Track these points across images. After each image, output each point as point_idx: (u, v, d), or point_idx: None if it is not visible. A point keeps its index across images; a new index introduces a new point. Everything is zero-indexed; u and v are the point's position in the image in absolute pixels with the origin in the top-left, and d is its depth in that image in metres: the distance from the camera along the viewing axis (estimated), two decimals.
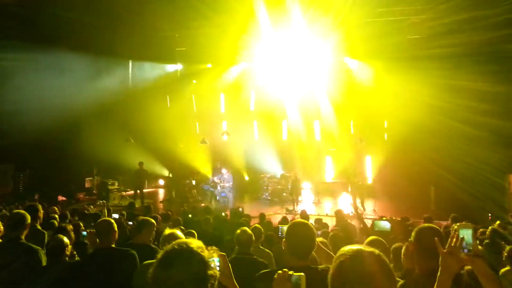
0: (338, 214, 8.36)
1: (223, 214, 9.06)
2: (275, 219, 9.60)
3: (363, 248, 1.49)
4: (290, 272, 1.87)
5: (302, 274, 1.86)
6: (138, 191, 14.18)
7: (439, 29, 11.16)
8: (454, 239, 1.90)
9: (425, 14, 11.84)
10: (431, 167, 12.61)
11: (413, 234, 2.48)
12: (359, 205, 12.73)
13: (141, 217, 4.26)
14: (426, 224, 2.65)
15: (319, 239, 3.67)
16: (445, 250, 1.90)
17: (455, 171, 11.66)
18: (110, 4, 11.51)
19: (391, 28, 12.22)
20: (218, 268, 1.52)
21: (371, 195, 13.29)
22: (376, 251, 1.49)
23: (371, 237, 4.01)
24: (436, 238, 1.98)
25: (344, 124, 15.78)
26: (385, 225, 5.33)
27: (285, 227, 5.10)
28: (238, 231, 4.12)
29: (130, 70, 15.77)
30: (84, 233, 4.76)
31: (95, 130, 13.84)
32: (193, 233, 4.62)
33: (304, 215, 8.85)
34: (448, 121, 11.62)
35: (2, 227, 3.99)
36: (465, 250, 1.88)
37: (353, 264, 1.45)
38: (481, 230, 5.46)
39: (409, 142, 13.44)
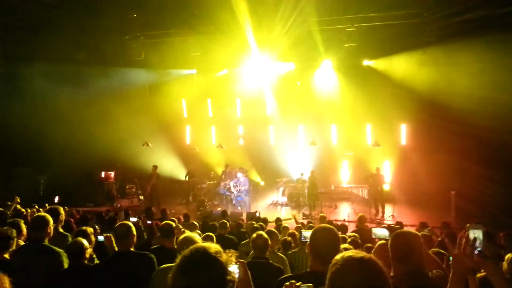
0: (360, 220, 8.26)
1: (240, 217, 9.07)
2: (292, 224, 9.56)
3: (353, 255, 1.48)
4: (298, 284, 1.87)
5: (311, 284, 1.85)
6: (154, 194, 14.45)
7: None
8: (464, 240, 1.86)
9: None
10: (451, 171, 12.37)
11: (389, 240, 2.52)
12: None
13: (166, 222, 4.32)
14: (400, 230, 2.65)
15: (343, 246, 3.65)
16: (456, 252, 1.87)
17: (476, 175, 11.42)
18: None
19: (406, 29, 12.10)
20: (237, 275, 1.52)
21: (390, 200, 13.13)
22: (367, 256, 1.48)
23: (380, 242, 3.94)
24: (446, 240, 1.96)
25: (360, 128, 15.63)
26: (384, 232, 5.19)
27: (307, 233, 5.10)
28: (254, 235, 4.12)
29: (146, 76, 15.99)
30: (101, 237, 4.81)
31: (114, 134, 14.11)
32: (212, 237, 4.65)
33: (323, 220, 8.80)
34: (467, 123, 11.38)
35: (25, 230, 4.10)
36: (476, 251, 1.84)
37: (343, 272, 1.45)
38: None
39: (428, 146, 13.23)
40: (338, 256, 1.52)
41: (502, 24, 10.22)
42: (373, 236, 5.07)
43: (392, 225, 7.70)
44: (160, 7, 11.96)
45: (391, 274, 2.33)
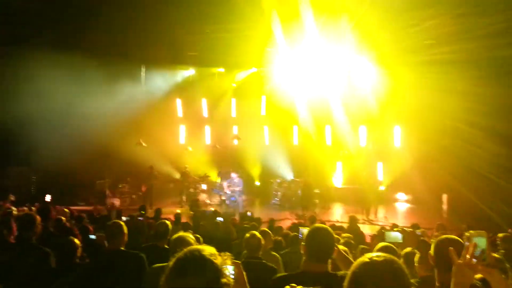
0: (352, 220, 8.25)
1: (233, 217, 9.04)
2: (285, 225, 9.55)
3: (377, 256, 1.48)
4: (299, 287, 1.83)
5: None
6: (148, 194, 14.37)
7: (456, 34, 11.03)
8: (471, 249, 1.79)
9: (439, 19, 11.72)
10: (443, 174, 12.44)
11: (432, 246, 2.40)
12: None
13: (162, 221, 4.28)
14: (445, 236, 2.55)
15: (340, 247, 3.64)
16: (460, 261, 1.80)
17: (468, 178, 11.48)
18: (123, 7, 11.59)
19: (405, 32, 12.12)
20: (232, 276, 1.49)
21: (383, 201, 13.18)
22: (391, 258, 1.47)
23: (381, 244, 3.94)
24: (450, 248, 1.89)
25: (355, 129, 15.67)
26: (397, 236, 5.18)
27: (305, 230, 5.08)
28: (247, 235, 4.09)
29: (143, 74, 15.90)
30: (93, 236, 4.78)
31: (107, 133, 13.97)
32: (199, 238, 4.62)
33: (313, 220, 8.78)
34: (462, 127, 11.45)
35: (15, 229, 4.02)
36: (476, 259, 1.79)
37: (367, 272, 1.44)
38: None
39: (421, 149, 13.29)
40: (361, 257, 1.51)
41: None
42: (387, 240, 5.00)
43: (405, 228, 7.65)
44: None
45: (436, 284, 2.25)
